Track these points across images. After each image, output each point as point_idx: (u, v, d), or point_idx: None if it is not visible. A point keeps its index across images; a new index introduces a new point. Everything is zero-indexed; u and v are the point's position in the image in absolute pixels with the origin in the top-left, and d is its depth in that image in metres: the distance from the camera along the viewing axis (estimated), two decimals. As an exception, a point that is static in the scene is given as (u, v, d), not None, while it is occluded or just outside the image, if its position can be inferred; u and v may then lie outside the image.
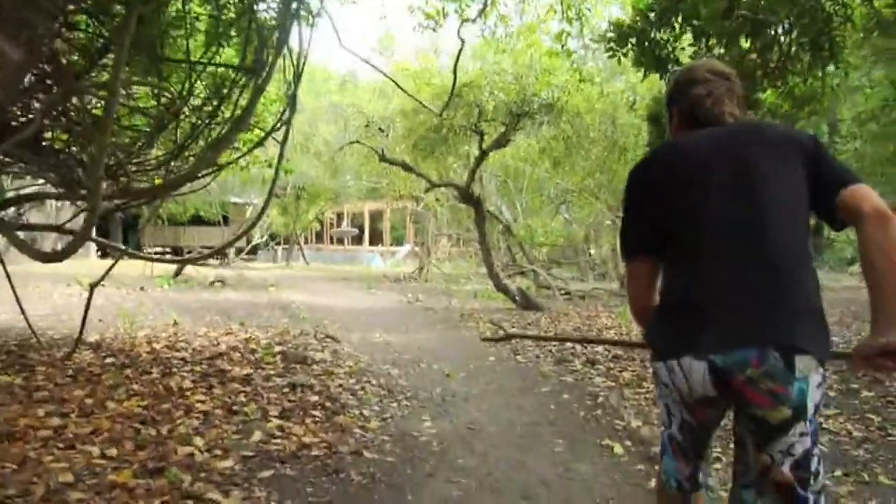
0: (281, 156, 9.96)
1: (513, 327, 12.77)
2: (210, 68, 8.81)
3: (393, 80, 12.09)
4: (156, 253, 38.54)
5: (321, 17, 11.70)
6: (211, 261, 38.94)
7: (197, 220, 38.16)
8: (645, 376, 8.14)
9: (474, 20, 10.28)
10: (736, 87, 2.67)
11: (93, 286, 8.13)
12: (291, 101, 9.59)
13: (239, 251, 42.14)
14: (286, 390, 6.97)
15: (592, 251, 29.29)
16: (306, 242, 48.96)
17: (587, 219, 24.91)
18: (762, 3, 9.78)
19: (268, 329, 11.72)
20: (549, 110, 14.56)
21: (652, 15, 10.49)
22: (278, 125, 9.76)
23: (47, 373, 7.15)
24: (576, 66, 13.15)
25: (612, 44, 10.42)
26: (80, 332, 8.39)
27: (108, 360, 8.09)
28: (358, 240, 46.54)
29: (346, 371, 8.24)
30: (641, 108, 14.01)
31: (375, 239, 47.04)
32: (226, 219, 37.64)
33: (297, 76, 9.73)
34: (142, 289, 19.35)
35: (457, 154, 18.34)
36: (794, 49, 10.19)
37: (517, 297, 16.31)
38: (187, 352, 9.02)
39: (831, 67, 10.30)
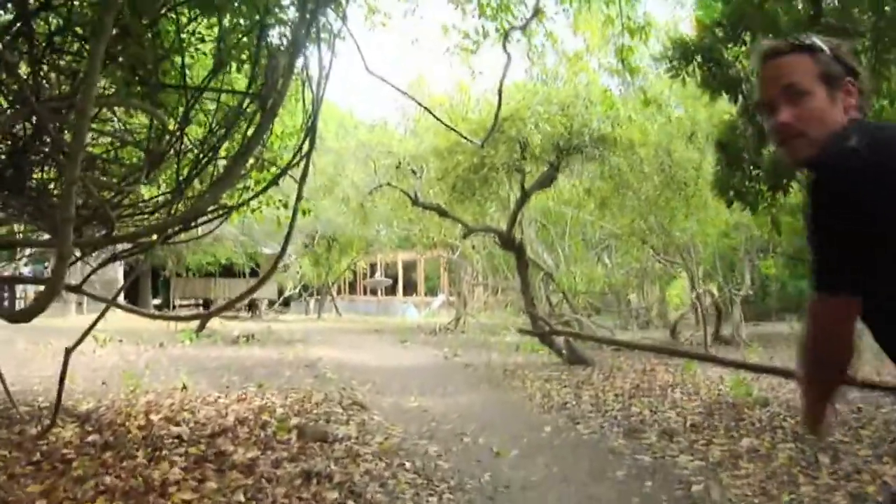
0: (300, 194, 8.72)
1: (564, 387, 11.32)
2: (213, 95, 7.59)
3: (427, 109, 10.82)
4: (182, 306, 37.65)
5: (343, 41, 10.55)
6: (242, 314, 38.13)
7: (228, 272, 37.04)
8: (739, 453, 6.66)
9: (522, 28, 8.95)
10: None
11: (69, 350, 6.83)
12: (311, 133, 8.37)
13: (271, 303, 41.15)
14: (298, 482, 5.57)
15: (634, 298, 27.79)
16: (339, 293, 47.97)
17: (630, 264, 23.40)
18: (851, 9, 8.51)
19: (288, 393, 10.37)
20: (601, 143, 13.19)
21: (719, 30, 9.18)
22: (296, 161, 8.52)
23: (8, 459, 5.84)
24: (640, 86, 11.75)
25: (674, 62, 9.12)
26: (57, 404, 7.07)
27: (92, 437, 6.78)
28: (392, 290, 45.37)
29: (374, 451, 6.84)
30: (702, 138, 12.62)
31: (409, 289, 45.92)
32: (255, 270, 36.49)
33: (317, 104, 8.53)
34: (161, 345, 18.16)
35: (497, 196, 16.98)
36: (878, 66, 8.85)
37: (563, 351, 14.87)
38: (188, 425, 7.69)
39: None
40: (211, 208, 8.81)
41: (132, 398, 9.62)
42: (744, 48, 9.08)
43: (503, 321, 25.53)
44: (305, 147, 8.53)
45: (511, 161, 13.85)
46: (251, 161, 8.68)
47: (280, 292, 42.14)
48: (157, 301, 37.69)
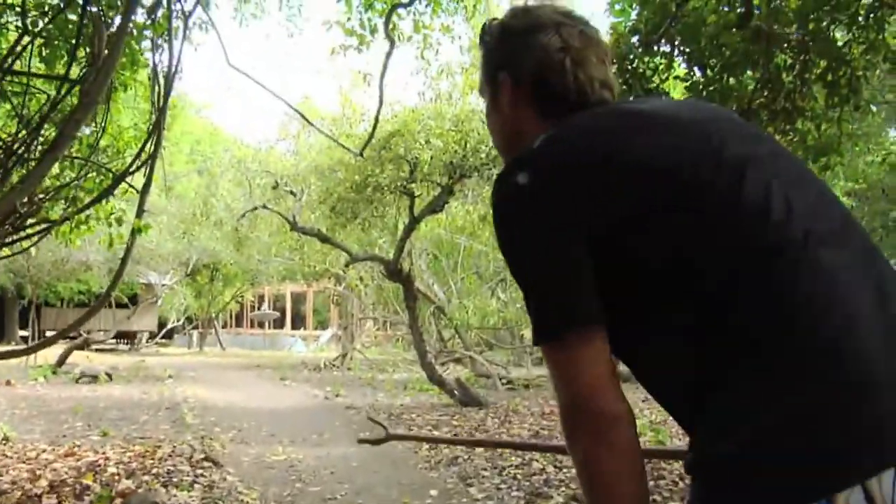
0: (141, 207, 7.30)
1: (454, 434, 10.05)
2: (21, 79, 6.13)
3: (295, 109, 9.47)
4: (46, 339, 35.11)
5: (206, 32, 9.18)
6: (120, 346, 35.84)
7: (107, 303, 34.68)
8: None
9: (407, 4, 7.67)
10: (600, 37, 1.56)
11: None
12: (155, 132, 6.99)
13: (152, 336, 38.95)
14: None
15: (527, 334, 26.78)
16: (225, 326, 45.96)
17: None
18: (784, 12, 7.62)
19: (132, 444, 8.84)
20: (500, 162, 11.98)
21: (636, 39, 8.15)
22: (137, 166, 7.11)
23: None
24: None
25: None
26: None
27: None
28: (280, 323, 43.59)
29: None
30: None
31: (298, 322, 44.27)
32: (133, 299, 34.18)
33: (165, 98, 7.17)
34: (8, 383, 16.18)
35: (383, 222, 15.60)
36: (803, 85, 7.99)
37: (456, 391, 13.62)
38: (-14, 493, 6.14)
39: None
40: (30, 222, 7.35)
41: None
42: (663, 59, 8.14)
43: (392, 357, 24.16)
44: (149, 150, 7.18)
45: (398, 182, 12.53)
46: (82, 167, 7.22)
47: (162, 324, 40.01)
48: (25, 333, 35.10)
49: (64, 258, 25.30)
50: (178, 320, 41.07)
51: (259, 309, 44.21)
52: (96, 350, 30.66)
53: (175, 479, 6.92)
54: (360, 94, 21.85)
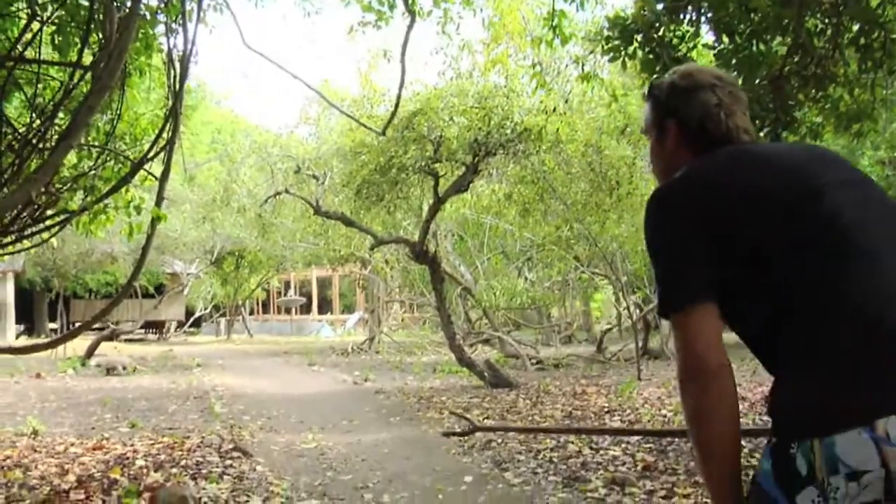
0: (160, 195, 7.14)
1: (487, 418, 9.89)
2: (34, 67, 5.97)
3: (317, 92, 9.29)
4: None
5: (220, 14, 9.00)
6: (149, 336, 35.95)
7: (132, 293, 34.78)
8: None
9: None
10: (744, 98, 2.09)
11: None
12: (173, 117, 6.83)
13: (180, 325, 39.09)
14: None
15: (555, 313, 26.52)
16: (252, 313, 46.07)
17: (553, 277, 21.98)
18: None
19: (161, 435, 8.73)
20: (525, 137, 11.69)
21: (661, 6, 7.86)
22: (154, 153, 6.95)
23: None
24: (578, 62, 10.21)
25: (613, 42, 7.78)
26: None
27: None
28: (306, 309, 43.52)
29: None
30: (635, 132, 11.26)
31: (325, 307, 44.26)
32: (160, 289, 34.21)
33: (181, 82, 7.01)
34: (38, 375, 16.18)
35: (408, 204, 15.35)
36: (835, 50, 7.70)
37: (485, 373, 13.45)
38: (11, 489, 6.04)
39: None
40: (49, 213, 7.22)
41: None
42: (690, 27, 7.88)
43: (420, 340, 24.01)
44: (167, 136, 7.02)
45: (423, 162, 12.29)
46: (99, 155, 7.08)
47: (190, 313, 40.13)
48: (54, 325, 35.26)
49: (88, 250, 25.28)
50: (205, 308, 41.18)
51: (285, 295, 44.21)
52: (125, 340, 30.79)
53: (204, 471, 6.80)
54: (380, 75, 21.58)
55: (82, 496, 5.78)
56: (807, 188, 1.78)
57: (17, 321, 32.98)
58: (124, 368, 16.36)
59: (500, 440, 8.16)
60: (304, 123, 18.51)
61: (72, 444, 8.16)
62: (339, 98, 14.65)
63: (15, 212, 6.95)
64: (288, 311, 44.63)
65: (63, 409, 11.58)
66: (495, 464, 7.14)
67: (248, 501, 5.86)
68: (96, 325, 28.66)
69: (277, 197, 16.62)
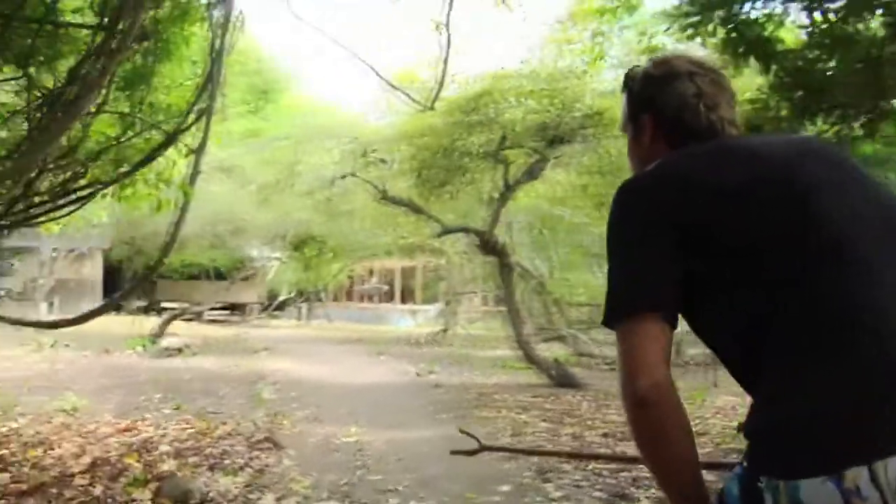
0: (196, 169, 6.76)
1: (542, 420, 9.30)
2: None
3: (370, 66, 8.70)
4: (165, 309, 35.61)
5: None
6: (232, 317, 36.29)
7: (218, 275, 35.12)
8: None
9: None
10: (729, 84, 1.89)
11: None
12: (209, 83, 6.44)
13: (264, 308, 39.42)
14: None
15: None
16: (335, 299, 46.27)
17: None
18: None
19: (200, 420, 8.39)
20: (597, 121, 10.94)
21: (746, -23, 7.15)
22: (189, 124, 6.57)
23: None
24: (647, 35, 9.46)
25: (691, 18, 7.10)
26: None
27: None
28: (388, 297, 43.39)
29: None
30: None
31: (408, 296, 44.00)
32: (239, 272, 34.37)
33: (220, 46, 6.62)
34: (106, 352, 16.20)
35: (478, 191, 14.75)
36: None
37: (552, 371, 12.86)
38: (21, 468, 5.75)
39: None
40: (82, 184, 6.91)
41: (1, 421, 7.73)
42: (777, 3, 7.14)
43: (494, 333, 23.45)
44: (203, 105, 6.64)
45: (488, 147, 11.70)
46: (130, 125, 6.72)
47: (274, 297, 40.42)
48: (142, 303, 35.87)
49: (157, 231, 25.28)
50: (289, 293, 41.44)
51: (368, 283, 44.20)
52: (209, 321, 31.15)
53: (226, 462, 6.41)
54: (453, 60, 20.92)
55: (86, 481, 5.42)
56: (795, 186, 1.60)
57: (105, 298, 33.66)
58: (180, 350, 16.19)
59: (549, 445, 7.61)
60: (367, 104, 18.08)
61: (104, 424, 7.89)
62: (410, 80, 14.15)
63: (47, 183, 6.71)
64: (370, 298, 44.63)
65: (117, 386, 11.43)
66: (538, 473, 6.56)
67: (260, 499, 5.42)
68: (169, 306, 28.98)
69: (343, 180, 16.21)
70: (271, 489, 5.72)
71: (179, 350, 16.05)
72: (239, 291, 35.31)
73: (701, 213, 1.59)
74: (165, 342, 16.29)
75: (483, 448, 4.30)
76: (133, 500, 5.02)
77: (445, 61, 7.59)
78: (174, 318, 21.48)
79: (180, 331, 21.30)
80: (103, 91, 5.84)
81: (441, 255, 24.43)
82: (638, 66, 1.96)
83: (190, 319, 28.34)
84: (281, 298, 40.77)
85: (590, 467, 6.66)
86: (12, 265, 30.86)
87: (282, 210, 20.64)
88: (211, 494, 5.30)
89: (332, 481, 6.16)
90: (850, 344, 1.41)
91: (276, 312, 40.66)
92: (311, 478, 6.18)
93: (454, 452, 5.18)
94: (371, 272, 44.50)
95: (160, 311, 28.86)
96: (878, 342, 1.40)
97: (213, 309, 32.52)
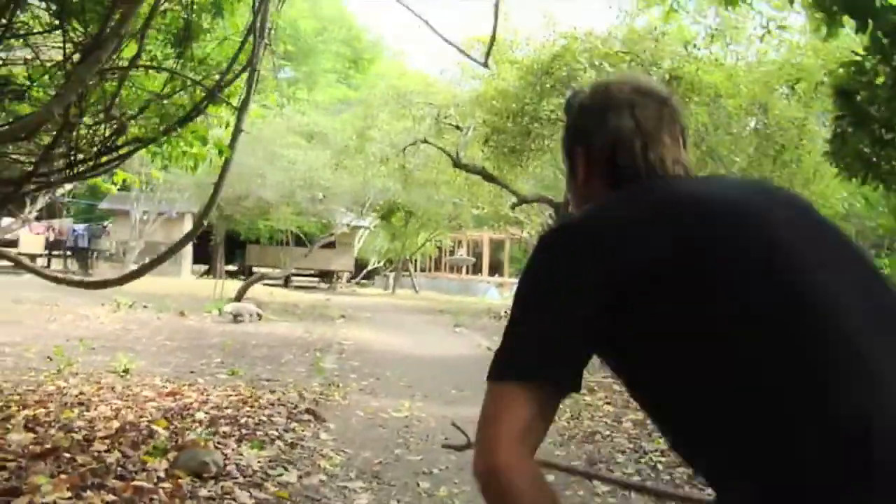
0: (238, 127, 6.46)
1: (607, 404, 8.79)
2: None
3: (434, 28, 8.17)
4: (251, 274, 36.01)
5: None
6: (321, 284, 36.58)
7: (309, 242, 35.42)
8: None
9: None
10: (678, 116, 1.63)
11: None
12: (252, 34, 6.14)
13: (352, 276, 39.62)
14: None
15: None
16: (424, 270, 46.27)
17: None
18: None
19: (248, 387, 8.16)
20: (676, 86, 10.22)
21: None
22: (229, 79, 6.27)
23: None
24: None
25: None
26: None
27: None
28: (476, 269, 43.16)
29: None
30: (806, 89, 9.53)
31: (497, 268, 43.66)
32: (331, 241, 34.53)
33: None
34: (181, 314, 16.26)
35: (555, 159, 14.13)
36: None
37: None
38: (48, 429, 5.57)
39: None
40: (123, 141, 6.68)
41: (52, 380, 7.65)
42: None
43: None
44: (246, 59, 6.33)
45: (562, 113, 11.15)
46: (169, 80, 6.44)
47: (362, 265, 40.58)
48: (232, 267, 36.39)
49: (242, 195, 25.29)
50: (378, 262, 41.57)
51: (456, 254, 44.05)
52: (296, 287, 31.36)
53: (259, 433, 6.12)
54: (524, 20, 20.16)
55: (105, 447, 5.19)
56: (752, 239, 1.39)
57: (197, 262, 34.27)
58: (251, 316, 16.07)
59: (608, 432, 7.14)
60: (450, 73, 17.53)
61: (149, 388, 7.72)
62: (479, 43, 13.63)
63: (84, 141, 6.50)
64: (458, 269, 44.49)
65: (181, 349, 11.34)
66: (590, 462, 6.12)
67: (281, 475, 5.11)
68: (260, 271, 29.21)
69: (417, 146, 15.78)
70: (297, 465, 5.41)
71: (251, 316, 15.93)
72: (329, 259, 35.42)
73: (641, 265, 1.36)
74: (230, 307, 16.18)
75: (472, 444, 3.87)
76: (145, 470, 4.75)
77: (496, 10, 7.09)
78: (251, 283, 21.47)
79: (264, 297, 21.37)
80: (136, 43, 5.61)
81: (524, 228, 23.89)
82: (582, 90, 1.74)
83: (275, 285, 28.53)
84: (370, 267, 40.92)
85: (647, 460, 6.18)
86: (104, 227, 31.63)
87: (360, 177, 20.36)
88: (229, 468, 5.00)
89: (366, 459, 5.83)
90: (835, 452, 1.21)
91: (364, 281, 40.88)
92: (344, 455, 5.87)
93: (445, 446, 4.84)
94: (459, 243, 44.35)
95: (250, 275, 29.18)
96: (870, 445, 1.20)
97: (300, 275, 32.66)
